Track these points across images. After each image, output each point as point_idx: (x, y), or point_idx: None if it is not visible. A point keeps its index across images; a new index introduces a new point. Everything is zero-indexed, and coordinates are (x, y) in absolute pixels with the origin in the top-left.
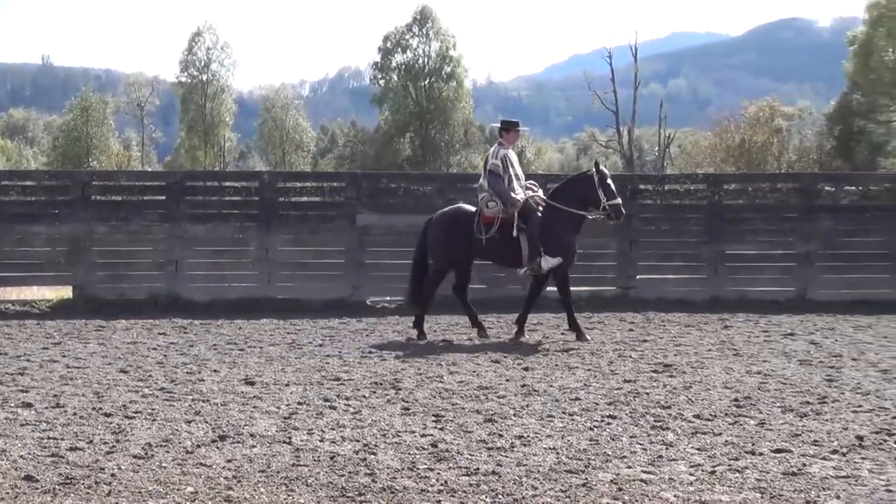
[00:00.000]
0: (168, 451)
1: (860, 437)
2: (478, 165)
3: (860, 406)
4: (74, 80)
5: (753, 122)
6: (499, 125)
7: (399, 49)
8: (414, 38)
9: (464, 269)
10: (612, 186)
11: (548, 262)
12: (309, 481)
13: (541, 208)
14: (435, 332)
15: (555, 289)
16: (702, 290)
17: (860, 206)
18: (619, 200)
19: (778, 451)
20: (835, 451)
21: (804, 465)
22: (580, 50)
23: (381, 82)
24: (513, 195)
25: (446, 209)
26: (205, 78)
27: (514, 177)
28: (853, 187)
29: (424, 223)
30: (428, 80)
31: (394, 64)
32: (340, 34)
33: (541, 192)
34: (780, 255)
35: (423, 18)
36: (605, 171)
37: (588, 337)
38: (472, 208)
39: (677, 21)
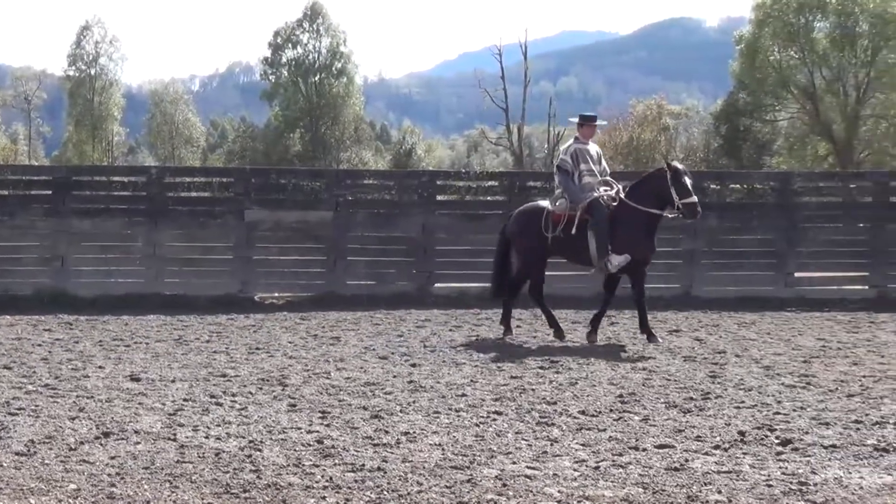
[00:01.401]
0: (51, 448)
1: (742, 433)
2: (368, 162)
3: (743, 402)
4: None
5: (641, 120)
6: (576, 120)
7: (289, 45)
8: (304, 34)
9: (538, 267)
10: (688, 183)
11: (616, 261)
12: (193, 478)
13: (613, 205)
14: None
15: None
16: (588, 287)
17: (745, 204)
18: (693, 199)
19: (661, 446)
20: (717, 447)
21: (687, 460)
22: (471, 48)
23: (272, 78)
24: (581, 193)
25: (524, 206)
26: (93, 72)
27: (586, 172)
28: (738, 185)
29: (505, 220)
30: (318, 76)
31: (284, 59)
32: (231, 29)
33: (616, 190)
34: (666, 253)
35: (313, 14)
36: (679, 167)
37: (659, 339)
38: (547, 205)
39: (567, 19)
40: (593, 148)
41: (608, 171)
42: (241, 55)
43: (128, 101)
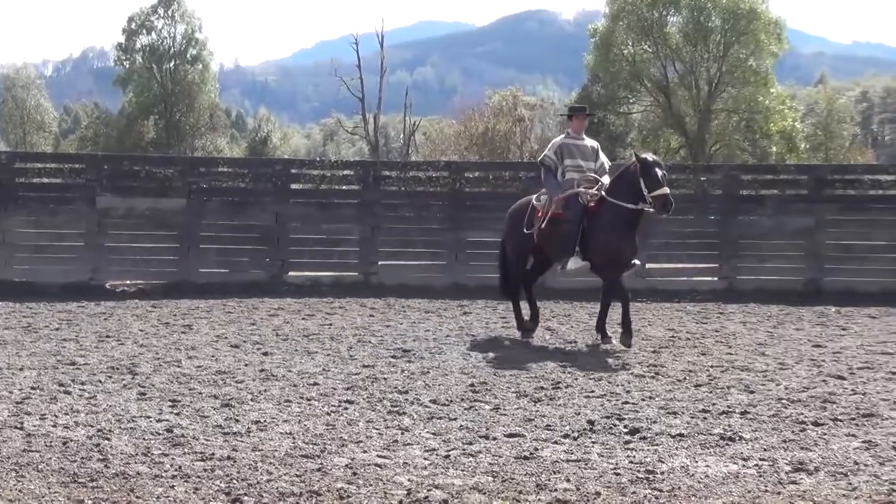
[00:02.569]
0: None
1: (591, 422)
2: (223, 150)
3: (592, 391)
4: None
5: (497, 111)
6: (565, 113)
7: (144, 30)
8: (159, 20)
9: (523, 261)
10: (658, 175)
11: (571, 265)
12: (40, 467)
13: (591, 204)
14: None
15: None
16: (442, 277)
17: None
18: (663, 191)
19: (511, 435)
20: (566, 436)
21: (536, 449)
22: (328, 36)
23: (126, 64)
24: (559, 189)
25: (518, 201)
26: None
27: (570, 168)
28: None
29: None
30: (173, 63)
31: (138, 45)
32: (85, 14)
33: (599, 186)
34: None
35: (168, 0)
36: (650, 158)
37: (613, 341)
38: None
39: (424, 10)
40: (587, 143)
41: (607, 166)
42: (95, 40)
43: None
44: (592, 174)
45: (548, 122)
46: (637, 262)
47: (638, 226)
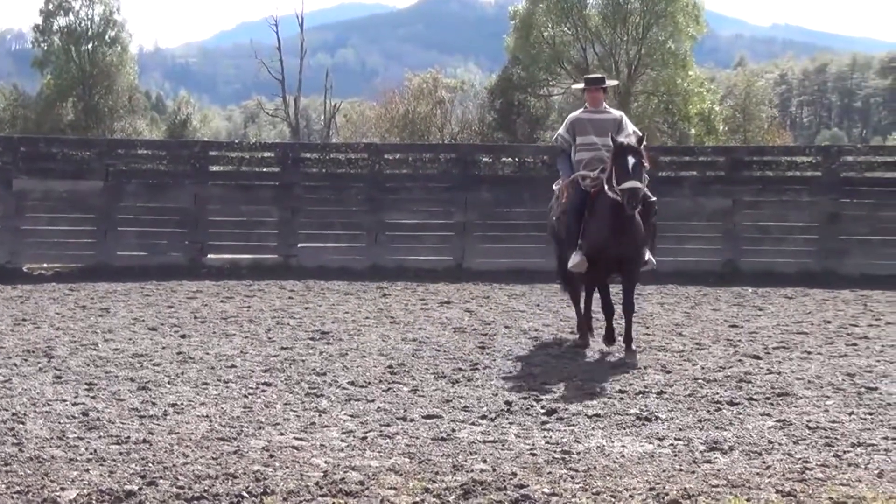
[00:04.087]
0: None
1: (509, 403)
2: (142, 132)
3: (510, 372)
4: None
5: (417, 93)
6: (581, 86)
7: (61, 12)
8: (77, 1)
9: (557, 249)
10: (629, 164)
11: (575, 259)
12: None
13: (593, 189)
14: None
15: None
16: (362, 259)
17: (517, 178)
18: (630, 185)
19: (429, 416)
20: (484, 417)
21: (454, 430)
22: (249, 17)
23: (43, 45)
24: (570, 171)
25: None
26: None
27: (581, 147)
28: (511, 159)
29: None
30: (91, 45)
31: (56, 27)
32: None
33: (599, 170)
34: (439, 225)
35: None
36: (624, 143)
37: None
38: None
39: None
40: (607, 115)
41: (635, 139)
42: (12, 22)
43: None
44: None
45: (468, 104)
46: (650, 258)
47: (634, 218)
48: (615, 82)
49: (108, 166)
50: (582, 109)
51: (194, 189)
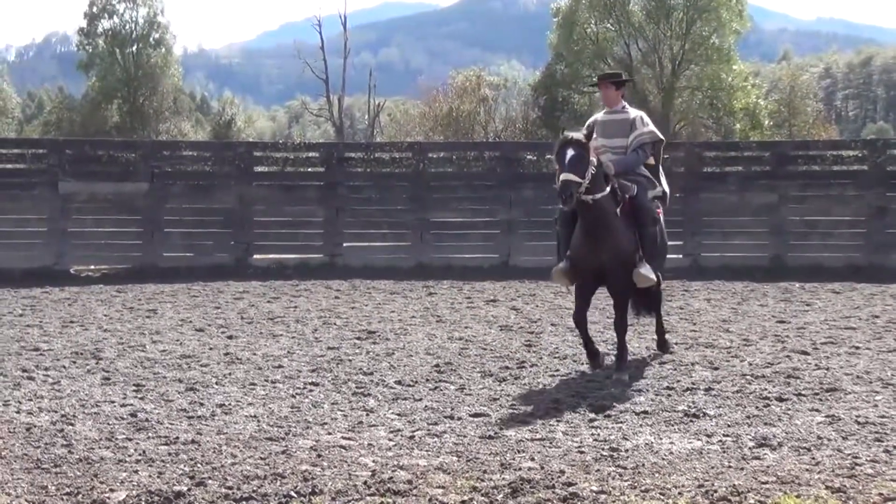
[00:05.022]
0: None
1: (556, 401)
2: (187, 133)
3: (557, 370)
4: None
5: (461, 91)
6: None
7: (105, 14)
8: (121, 4)
9: None
10: (565, 157)
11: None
12: (3, 453)
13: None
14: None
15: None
16: (407, 258)
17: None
18: (563, 176)
19: (476, 415)
20: (531, 415)
21: (501, 428)
22: (292, 18)
23: (88, 48)
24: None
25: None
26: None
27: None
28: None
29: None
30: (135, 47)
31: (100, 30)
32: None
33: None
34: (484, 223)
35: None
36: (566, 136)
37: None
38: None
39: None
40: (623, 116)
41: (645, 141)
42: (57, 25)
43: None
44: (610, 155)
45: (511, 101)
46: (644, 273)
47: (608, 223)
48: (629, 78)
49: (153, 168)
50: (603, 111)
51: (239, 190)
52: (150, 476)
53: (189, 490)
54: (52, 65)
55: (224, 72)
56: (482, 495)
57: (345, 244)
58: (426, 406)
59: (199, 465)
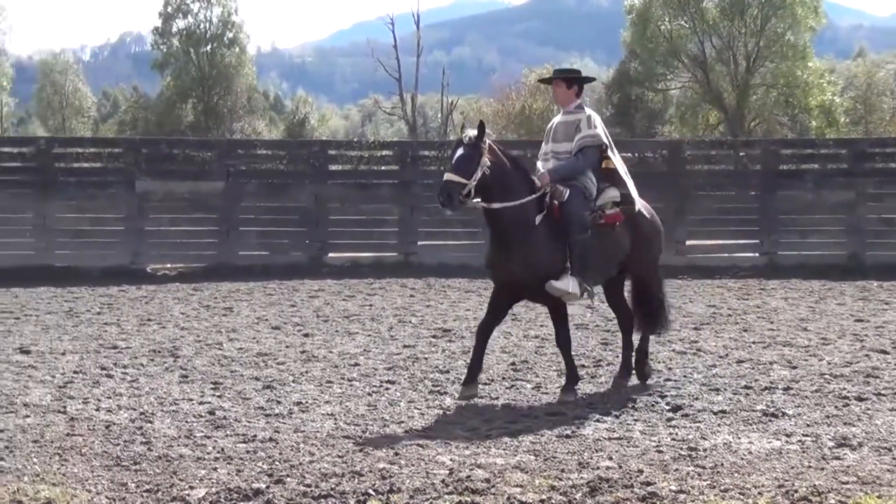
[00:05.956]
0: None
1: (633, 399)
2: (261, 132)
3: (634, 369)
4: None
5: (534, 89)
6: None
7: (180, 14)
8: (195, 4)
9: None
10: (455, 155)
11: None
12: (83, 451)
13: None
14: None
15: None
16: (482, 256)
17: (636, 173)
18: (445, 176)
19: (553, 413)
20: (608, 413)
21: (578, 427)
22: (364, 17)
23: (163, 48)
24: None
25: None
26: None
27: (541, 156)
28: (629, 154)
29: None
30: (210, 46)
31: (175, 29)
32: None
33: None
34: None
35: None
36: (462, 135)
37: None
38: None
39: None
40: (572, 117)
41: (587, 144)
42: (132, 25)
43: (17, 71)
44: (553, 162)
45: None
46: (557, 286)
47: (516, 233)
48: (588, 76)
49: (228, 167)
50: (560, 112)
51: (314, 188)
52: (228, 473)
53: (268, 487)
54: (127, 64)
55: (297, 71)
56: (560, 494)
57: (419, 242)
58: (503, 404)
59: (277, 463)
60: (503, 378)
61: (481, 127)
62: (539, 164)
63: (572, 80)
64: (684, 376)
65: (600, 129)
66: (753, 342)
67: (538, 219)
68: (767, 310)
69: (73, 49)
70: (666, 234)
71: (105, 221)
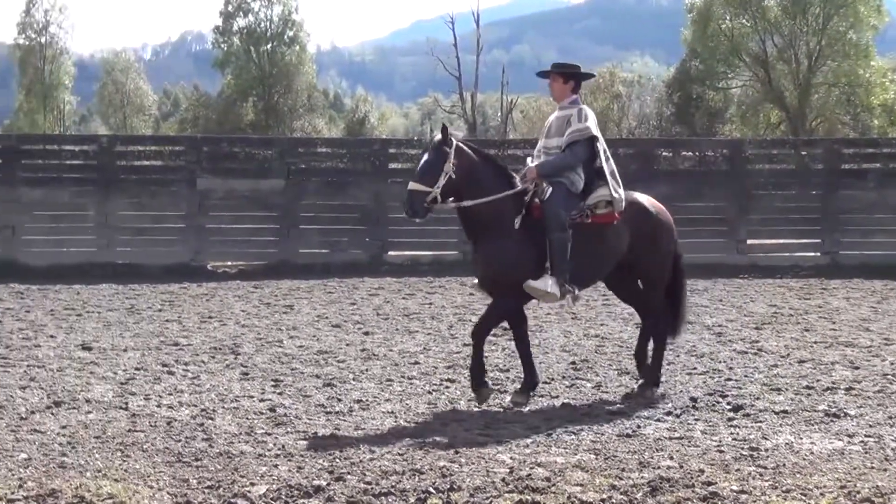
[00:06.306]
0: (1, 418)
1: (694, 399)
2: (321, 130)
3: (694, 368)
4: None
5: (594, 88)
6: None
7: (241, 13)
8: (256, 2)
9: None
10: (421, 160)
11: None
12: (145, 447)
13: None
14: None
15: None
16: None
17: (697, 172)
18: (409, 185)
19: (613, 413)
20: (669, 413)
21: (639, 426)
22: (424, 16)
23: (223, 46)
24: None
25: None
26: (43, 40)
27: (535, 153)
28: (690, 153)
29: None
30: (270, 45)
31: (235, 28)
32: None
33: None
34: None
35: None
36: (434, 138)
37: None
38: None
39: None
40: (565, 112)
41: (577, 139)
42: (193, 23)
43: (79, 69)
44: (543, 157)
45: (645, 98)
46: (534, 285)
47: (486, 231)
48: (586, 73)
49: (289, 165)
50: (557, 108)
51: (374, 187)
52: (289, 470)
53: (328, 485)
54: (188, 63)
55: (357, 69)
56: (621, 493)
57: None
58: (563, 403)
59: (337, 461)
60: (563, 377)
61: (443, 131)
62: (528, 160)
63: (569, 76)
64: (745, 376)
65: (591, 123)
66: (815, 342)
67: (518, 220)
68: (829, 310)
69: (135, 48)
70: (727, 233)
71: (166, 219)
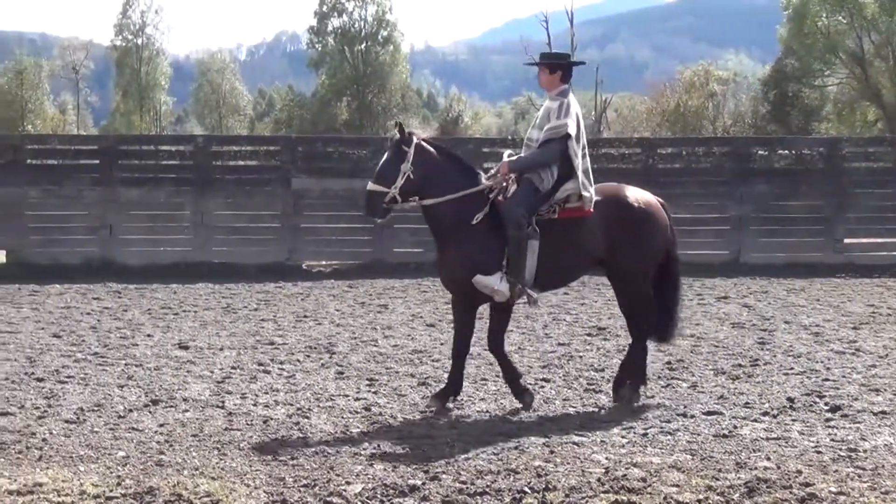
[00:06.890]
0: (100, 416)
1: (791, 399)
2: (416, 130)
3: (791, 368)
4: (8, 44)
5: (689, 86)
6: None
7: (335, 13)
8: (350, 2)
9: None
10: (379, 161)
11: None
12: (241, 445)
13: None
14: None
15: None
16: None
17: (793, 170)
18: (367, 186)
19: (709, 413)
20: (766, 413)
21: (735, 427)
22: (518, 14)
23: (318, 46)
24: None
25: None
26: (140, 42)
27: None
28: (786, 151)
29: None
30: (364, 45)
31: (330, 28)
32: None
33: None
34: (714, 219)
35: None
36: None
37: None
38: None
39: None
40: (554, 103)
41: (557, 132)
42: (287, 24)
43: (175, 70)
44: (524, 150)
45: (740, 96)
46: (482, 281)
47: (445, 230)
48: (575, 61)
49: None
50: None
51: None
52: (384, 469)
53: (423, 484)
54: (282, 63)
55: (450, 68)
56: (717, 494)
57: None
58: (658, 403)
59: (432, 460)
60: (658, 377)
61: (400, 130)
62: (505, 154)
63: (556, 66)
64: (843, 376)
65: (571, 120)
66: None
67: (479, 216)
68: None
69: (230, 48)
70: (824, 232)
71: (261, 219)
